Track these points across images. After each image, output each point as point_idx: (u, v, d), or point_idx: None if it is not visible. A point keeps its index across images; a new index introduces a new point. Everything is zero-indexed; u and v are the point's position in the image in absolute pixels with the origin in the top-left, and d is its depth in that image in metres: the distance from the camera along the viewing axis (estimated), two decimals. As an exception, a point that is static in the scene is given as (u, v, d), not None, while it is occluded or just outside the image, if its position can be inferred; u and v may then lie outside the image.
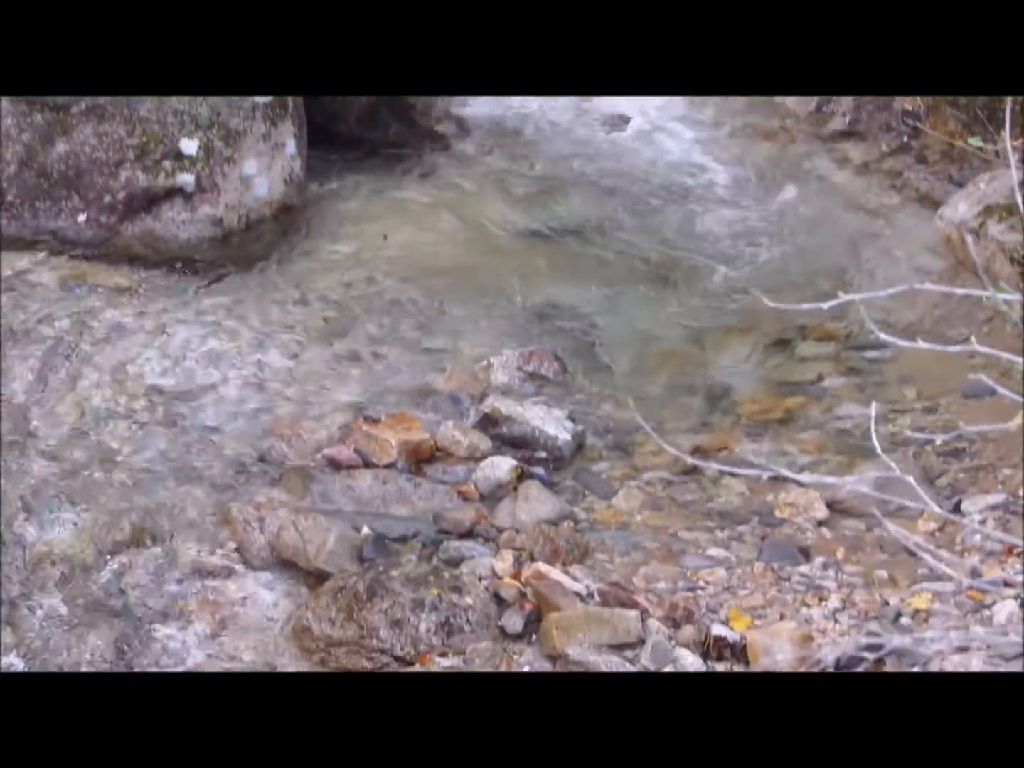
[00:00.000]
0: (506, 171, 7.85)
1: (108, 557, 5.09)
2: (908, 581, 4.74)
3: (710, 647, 4.52)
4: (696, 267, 7.07)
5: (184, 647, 4.78)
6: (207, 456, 5.60)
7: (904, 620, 4.51)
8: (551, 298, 6.76)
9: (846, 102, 7.86)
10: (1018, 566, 4.65)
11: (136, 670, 4.68)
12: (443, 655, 4.62)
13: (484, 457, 5.56)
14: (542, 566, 4.88)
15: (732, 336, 6.56)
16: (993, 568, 4.68)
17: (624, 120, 8.34)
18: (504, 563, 4.95)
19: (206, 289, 6.61)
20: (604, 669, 4.43)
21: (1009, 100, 4.62)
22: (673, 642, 4.53)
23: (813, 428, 5.86)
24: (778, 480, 5.23)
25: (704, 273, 7.02)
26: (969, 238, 6.28)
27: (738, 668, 4.46)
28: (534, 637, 4.68)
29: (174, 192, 6.79)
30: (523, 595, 4.80)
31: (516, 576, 4.89)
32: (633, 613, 4.60)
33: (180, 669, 4.69)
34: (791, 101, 8.13)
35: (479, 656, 4.61)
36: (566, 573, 4.87)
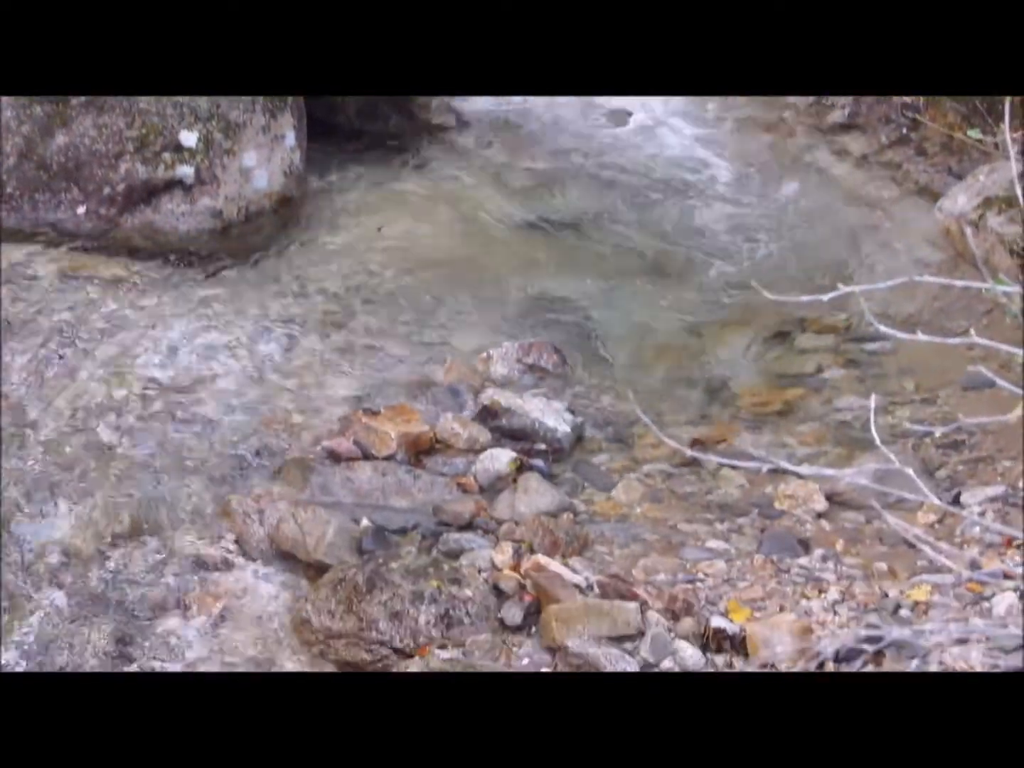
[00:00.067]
0: (505, 164, 7.85)
1: (107, 550, 5.09)
2: (907, 573, 4.75)
3: (709, 639, 4.52)
4: (695, 261, 7.07)
5: (183, 639, 4.79)
6: (206, 448, 5.60)
7: (903, 612, 4.52)
8: (550, 290, 6.76)
9: (845, 94, 7.85)
10: (1017, 558, 4.65)
11: (136, 661, 4.69)
12: (442, 647, 4.62)
13: (483, 449, 5.57)
14: (541, 558, 4.88)
15: (731, 329, 6.56)
16: (992, 560, 4.68)
17: (626, 114, 8.34)
18: (503, 555, 4.95)
19: (205, 281, 6.61)
20: (603, 661, 4.43)
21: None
22: (672, 634, 4.54)
23: (812, 420, 5.86)
24: (777, 472, 5.23)
25: (703, 267, 7.02)
26: (968, 230, 6.27)
27: (737, 660, 4.46)
28: (533, 629, 4.68)
29: (173, 184, 6.78)
30: (522, 587, 4.80)
31: (515, 568, 4.89)
32: (632, 605, 4.60)
33: (179, 661, 4.70)
34: (791, 93, 8.12)
35: (478, 648, 4.62)
36: (565, 565, 4.87)
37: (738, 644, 4.47)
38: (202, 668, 4.68)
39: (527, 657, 4.59)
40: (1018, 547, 4.71)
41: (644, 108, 8.34)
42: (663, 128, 8.21)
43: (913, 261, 6.72)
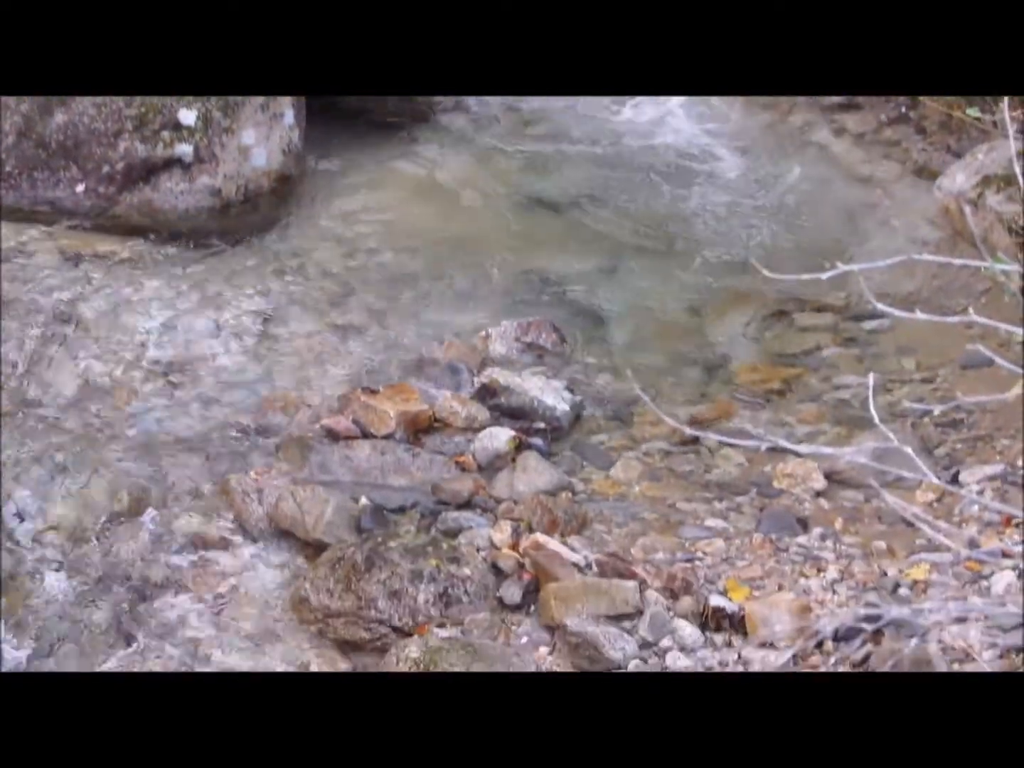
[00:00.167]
0: (505, 145, 7.83)
1: (106, 528, 5.09)
2: (906, 552, 4.75)
3: (708, 618, 4.53)
4: (694, 240, 7.06)
5: (182, 618, 4.80)
6: (205, 427, 5.60)
7: (902, 591, 4.52)
8: (550, 269, 6.75)
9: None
10: (1016, 536, 4.65)
11: (135, 641, 4.69)
12: (441, 626, 4.63)
13: (482, 428, 5.56)
14: (540, 537, 4.88)
15: (730, 307, 6.55)
16: (991, 539, 4.68)
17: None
18: (502, 534, 4.95)
19: (204, 259, 6.60)
20: (602, 640, 4.44)
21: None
22: (671, 613, 4.54)
23: (811, 399, 5.86)
24: (776, 451, 5.23)
25: (702, 246, 7.01)
26: (967, 209, 6.27)
27: (736, 639, 4.46)
28: (532, 608, 4.69)
29: (172, 162, 6.76)
30: (521, 566, 4.81)
31: (514, 547, 4.89)
32: (631, 584, 4.61)
33: (178, 639, 4.70)
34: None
35: (477, 627, 4.62)
36: (564, 544, 4.87)
37: (737, 623, 4.48)
38: (200, 647, 4.69)
39: (526, 636, 4.60)
40: (1017, 526, 4.71)
41: (643, 87, 8.32)
42: (663, 107, 8.19)
43: (912, 240, 6.71)
